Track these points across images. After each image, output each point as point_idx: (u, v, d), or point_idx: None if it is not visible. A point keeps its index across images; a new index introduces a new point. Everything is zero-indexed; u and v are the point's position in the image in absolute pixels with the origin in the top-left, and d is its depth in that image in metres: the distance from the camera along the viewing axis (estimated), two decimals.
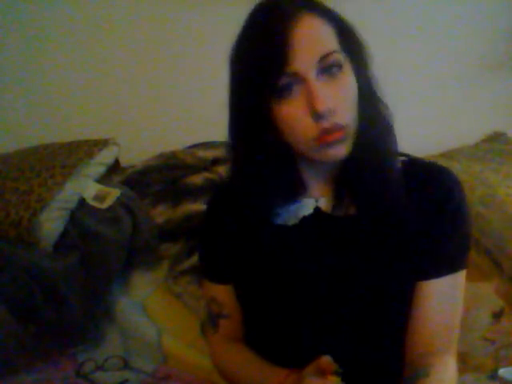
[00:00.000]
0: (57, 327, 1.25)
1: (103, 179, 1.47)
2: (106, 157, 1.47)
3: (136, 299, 1.38)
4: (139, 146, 1.66)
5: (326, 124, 0.71)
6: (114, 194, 1.40)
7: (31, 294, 1.24)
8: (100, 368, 1.27)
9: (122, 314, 1.35)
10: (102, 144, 1.48)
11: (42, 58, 1.69)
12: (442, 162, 0.87)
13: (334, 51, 0.72)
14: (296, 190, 0.82)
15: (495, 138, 2.02)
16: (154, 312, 1.37)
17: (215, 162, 1.57)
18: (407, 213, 0.78)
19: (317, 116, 0.70)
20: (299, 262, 0.82)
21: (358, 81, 0.75)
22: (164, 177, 1.53)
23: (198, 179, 1.51)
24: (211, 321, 0.95)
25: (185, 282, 1.40)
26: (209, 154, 1.57)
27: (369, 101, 0.77)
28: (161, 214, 1.46)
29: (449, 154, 1.86)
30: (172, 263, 1.42)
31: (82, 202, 1.38)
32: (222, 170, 1.51)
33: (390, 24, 1.87)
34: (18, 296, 1.23)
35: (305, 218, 0.83)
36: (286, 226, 0.83)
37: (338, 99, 0.71)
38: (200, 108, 1.78)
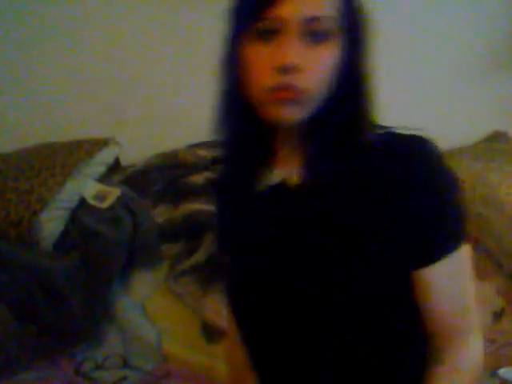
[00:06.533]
0: (57, 327, 1.25)
1: (103, 179, 1.47)
2: (106, 156, 1.48)
3: (136, 299, 1.37)
4: (139, 146, 1.66)
5: (285, 79, 0.67)
6: (114, 193, 1.39)
7: (31, 293, 1.24)
8: (99, 367, 1.27)
9: (122, 314, 1.35)
10: (103, 143, 1.48)
11: (42, 58, 1.69)
12: None
13: (325, 17, 0.68)
14: (265, 158, 0.79)
15: (496, 137, 2.02)
16: (154, 312, 1.37)
17: (216, 161, 1.57)
18: (379, 192, 0.70)
19: (281, 68, 0.66)
20: (260, 232, 0.79)
21: (349, 55, 0.71)
22: (164, 176, 1.52)
23: (198, 179, 1.51)
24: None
25: (185, 282, 1.39)
26: (209, 154, 1.57)
27: (352, 77, 0.72)
28: (161, 213, 1.46)
29: (449, 154, 1.86)
30: (172, 263, 1.42)
31: (82, 202, 1.38)
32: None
33: (390, 24, 1.87)
34: (18, 296, 1.23)
35: (273, 187, 0.78)
36: (261, 194, 0.80)
37: (311, 64, 0.68)
38: (200, 107, 1.77)
